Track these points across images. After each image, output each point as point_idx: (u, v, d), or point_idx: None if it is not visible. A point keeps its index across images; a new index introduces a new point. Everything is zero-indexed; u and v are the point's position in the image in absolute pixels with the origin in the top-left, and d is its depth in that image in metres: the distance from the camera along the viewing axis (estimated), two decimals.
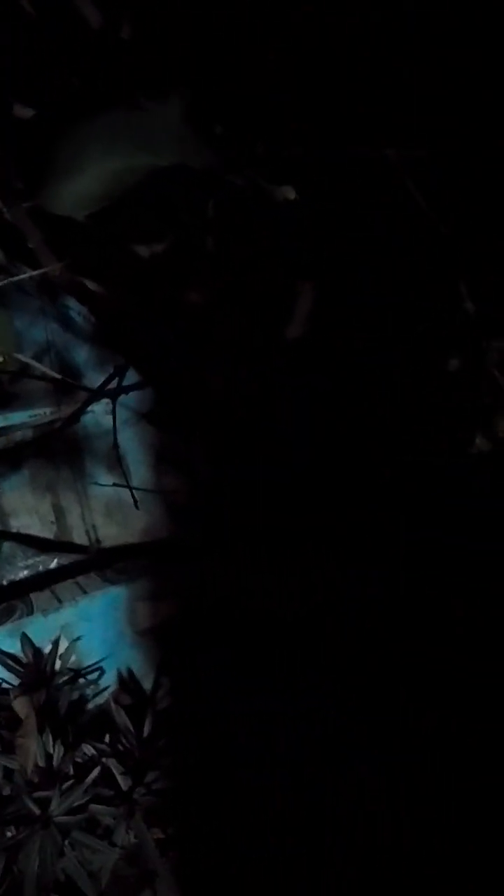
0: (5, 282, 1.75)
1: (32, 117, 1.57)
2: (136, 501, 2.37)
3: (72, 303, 2.53)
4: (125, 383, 2.23)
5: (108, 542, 2.74)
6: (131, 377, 2.32)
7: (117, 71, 1.52)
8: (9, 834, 1.89)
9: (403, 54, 1.37)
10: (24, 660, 2.19)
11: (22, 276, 1.70)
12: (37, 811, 1.90)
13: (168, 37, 1.54)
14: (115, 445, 2.17)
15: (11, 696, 2.08)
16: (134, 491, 2.56)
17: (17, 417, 2.51)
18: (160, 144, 1.36)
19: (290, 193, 1.37)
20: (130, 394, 2.51)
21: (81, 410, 2.11)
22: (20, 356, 2.00)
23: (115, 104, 1.38)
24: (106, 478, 2.69)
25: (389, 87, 1.42)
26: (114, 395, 2.14)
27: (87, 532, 2.72)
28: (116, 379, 2.00)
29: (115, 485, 2.53)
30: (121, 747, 2.11)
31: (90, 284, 1.87)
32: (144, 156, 1.35)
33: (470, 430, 1.42)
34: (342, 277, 1.71)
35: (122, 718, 2.16)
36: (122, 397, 2.44)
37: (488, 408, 1.40)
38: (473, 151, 1.46)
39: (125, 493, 2.72)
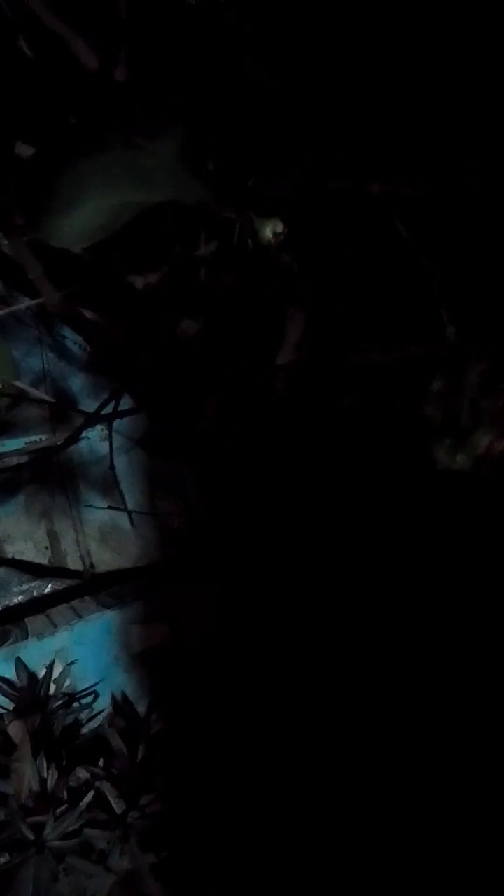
0: (5, 311, 1.80)
1: (32, 155, 1.64)
2: (132, 521, 2.40)
3: (68, 332, 2.59)
4: (120, 409, 2.28)
5: (102, 568, 2.77)
6: (126, 403, 2.38)
7: (113, 111, 1.60)
8: (3, 859, 1.89)
9: (387, 93, 1.45)
10: (19, 684, 2.20)
11: (21, 306, 1.76)
12: (31, 836, 1.90)
13: (161, 78, 1.62)
14: (112, 466, 2.21)
15: (6, 720, 2.09)
16: (129, 515, 2.60)
17: (13, 444, 2.55)
18: (155, 181, 1.43)
19: (279, 226, 1.45)
20: (124, 421, 2.57)
21: (79, 434, 2.15)
22: (18, 383, 2.05)
23: (111, 143, 1.45)
24: (100, 504, 2.72)
25: (372, 125, 1.50)
26: (110, 420, 2.19)
27: (81, 557, 2.75)
28: (112, 403, 2.05)
29: (110, 507, 2.57)
30: (115, 771, 2.11)
31: (87, 314, 1.92)
32: (140, 192, 1.42)
33: (451, 449, 1.47)
34: (330, 306, 1.78)
35: (116, 742, 2.16)
36: (117, 424, 2.49)
37: (468, 428, 1.46)
38: (455, 186, 1.53)
39: (119, 518, 2.76)
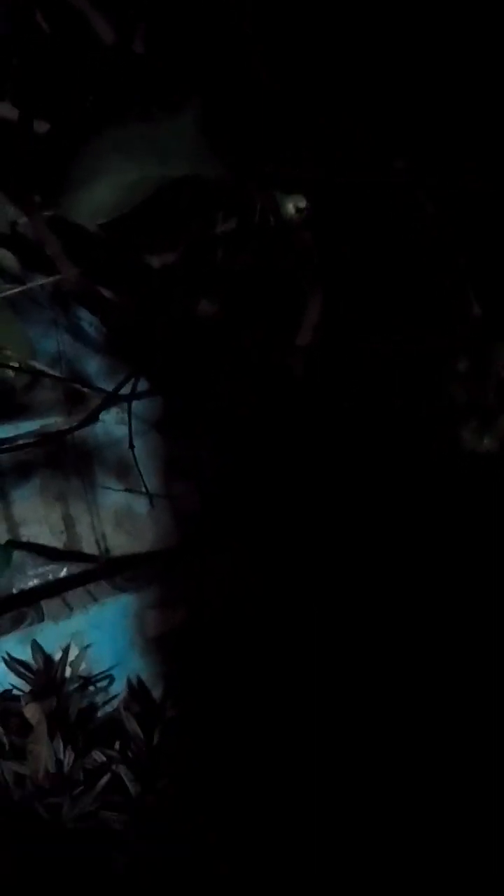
0: (21, 289, 1.78)
1: (51, 130, 1.61)
2: (152, 502, 2.38)
3: (83, 314, 2.57)
4: (138, 391, 2.26)
5: (117, 551, 2.76)
6: (142, 385, 2.35)
7: (131, 84, 1.56)
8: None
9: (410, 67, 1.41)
10: (35, 667, 2.20)
11: (37, 283, 1.74)
12: (47, 817, 1.90)
13: (179, 51, 1.58)
14: (132, 446, 2.18)
15: (22, 702, 2.09)
16: (144, 500, 2.58)
17: (28, 427, 2.54)
18: (173, 156, 1.40)
19: (301, 202, 1.41)
20: (140, 405, 2.54)
21: (96, 414, 2.13)
22: (35, 363, 2.03)
23: (129, 117, 1.42)
24: (116, 487, 2.71)
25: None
26: (129, 400, 2.16)
27: (96, 541, 2.74)
28: (131, 383, 2.02)
29: (126, 490, 2.56)
30: (130, 754, 2.11)
31: (104, 292, 1.90)
32: (159, 166, 1.39)
33: (478, 431, 1.44)
34: (351, 285, 1.74)
35: (132, 726, 2.16)
36: (133, 407, 2.47)
37: (495, 409, 1.42)
38: (479, 162, 1.49)
39: (134, 502, 2.75)
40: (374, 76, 1.46)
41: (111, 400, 2.11)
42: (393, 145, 1.49)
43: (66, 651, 2.24)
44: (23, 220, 1.83)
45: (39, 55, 1.74)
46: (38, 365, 2.06)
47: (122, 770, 2.04)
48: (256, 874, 2.00)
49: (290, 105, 1.50)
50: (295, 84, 1.50)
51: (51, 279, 1.68)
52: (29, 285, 1.77)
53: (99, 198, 1.39)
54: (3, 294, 1.88)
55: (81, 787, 1.97)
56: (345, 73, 1.49)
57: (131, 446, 2.26)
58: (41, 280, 1.85)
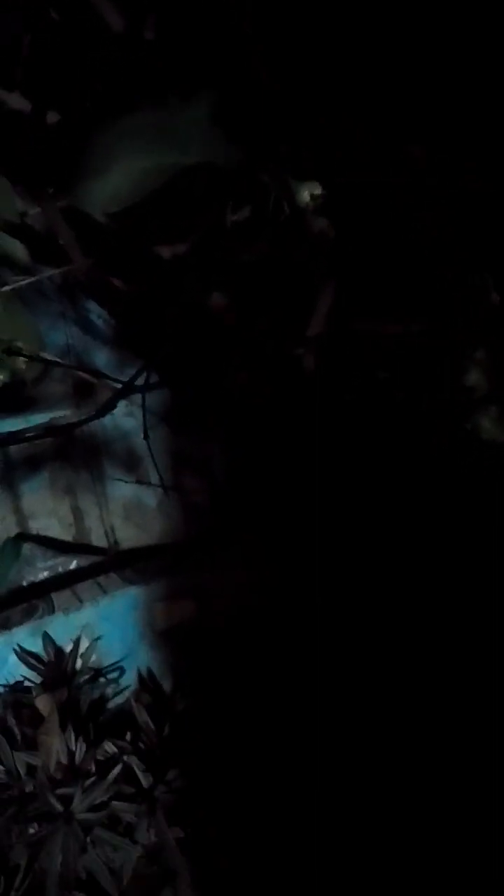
0: (32, 279, 1.77)
1: (62, 120, 1.61)
2: (165, 491, 2.38)
3: (92, 306, 2.56)
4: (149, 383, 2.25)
5: (126, 544, 2.76)
6: (153, 377, 2.35)
7: (143, 72, 1.55)
8: (31, 830, 1.90)
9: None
10: (46, 658, 2.20)
11: (48, 273, 1.73)
12: (59, 808, 1.90)
13: (191, 37, 1.57)
14: (146, 436, 2.18)
15: (34, 693, 2.10)
16: (153, 492, 2.58)
17: (38, 420, 2.53)
18: (187, 142, 1.39)
19: (317, 189, 1.40)
20: (150, 398, 2.54)
21: (109, 406, 2.13)
22: (45, 355, 2.03)
23: (142, 104, 1.41)
24: (125, 480, 2.71)
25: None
26: (142, 392, 2.16)
27: (105, 534, 2.74)
28: (144, 375, 2.02)
29: (137, 482, 2.56)
30: (142, 745, 2.11)
31: (115, 282, 1.89)
32: (172, 154, 1.38)
33: (498, 419, 1.43)
34: (365, 274, 1.73)
35: (143, 717, 2.16)
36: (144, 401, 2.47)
37: None
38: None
39: (143, 495, 2.75)
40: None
41: (124, 392, 2.10)
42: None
43: (76, 643, 2.24)
44: (33, 211, 1.83)
45: (50, 45, 1.73)
46: (50, 356, 2.06)
47: (134, 761, 2.04)
48: (256, 868, 2.00)
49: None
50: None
51: (61, 269, 1.67)
52: (39, 276, 1.76)
53: (112, 187, 1.38)
54: (13, 286, 1.88)
55: (93, 778, 1.97)
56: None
57: (145, 437, 2.25)
58: (51, 271, 1.85)
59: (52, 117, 1.68)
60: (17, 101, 1.75)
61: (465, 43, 1.41)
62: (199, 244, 1.83)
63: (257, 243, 1.78)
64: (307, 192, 1.40)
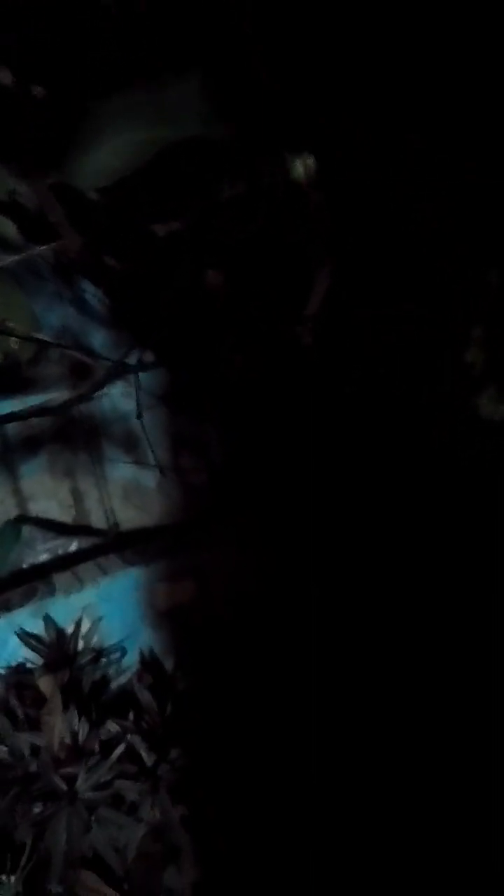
0: (23, 256, 1.75)
1: (52, 95, 1.57)
2: (163, 472, 2.37)
3: (88, 286, 2.53)
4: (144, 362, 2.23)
5: (126, 525, 2.76)
6: (148, 357, 2.33)
7: (135, 46, 1.51)
8: (36, 810, 1.91)
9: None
10: (48, 640, 2.21)
11: (39, 250, 1.70)
12: (63, 787, 1.91)
13: (185, 10, 1.53)
14: (140, 415, 2.16)
15: (36, 675, 2.10)
16: (151, 473, 2.57)
17: (34, 401, 2.52)
18: (179, 116, 1.36)
19: (310, 160, 1.37)
20: (146, 378, 2.52)
21: (101, 385, 2.11)
22: (40, 335, 2.00)
23: (134, 78, 1.38)
24: (124, 461, 2.70)
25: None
26: (134, 371, 2.14)
27: (105, 515, 2.74)
28: (137, 354, 2.00)
29: (135, 463, 2.55)
30: (144, 725, 2.12)
31: (109, 261, 1.86)
32: (164, 128, 1.35)
33: (495, 399, 1.42)
34: (362, 256, 1.71)
35: (145, 697, 2.17)
36: (140, 381, 2.45)
37: None
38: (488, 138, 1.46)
39: (143, 476, 2.74)
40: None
41: (116, 371, 2.08)
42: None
43: (77, 624, 2.24)
44: (23, 188, 1.79)
45: (39, 19, 1.69)
46: (44, 336, 2.03)
47: (137, 740, 2.05)
48: (255, 849, 2.02)
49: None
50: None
51: (52, 245, 1.64)
52: (29, 253, 1.73)
53: (102, 162, 1.35)
54: (4, 263, 1.85)
55: (97, 758, 1.98)
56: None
57: (139, 417, 2.24)
58: (42, 249, 1.81)
59: (42, 92, 1.64)
60: (5, 77, 1.71)
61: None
62: (193, 222, 1.80)
63: (253, 220, 1.75)
64: (301, 165, 1.37)
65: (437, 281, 1.57)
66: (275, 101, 1.45)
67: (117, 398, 2.63)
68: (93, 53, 1.58)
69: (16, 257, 1.69)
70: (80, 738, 2.02)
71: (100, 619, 2.30)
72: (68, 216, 1.70)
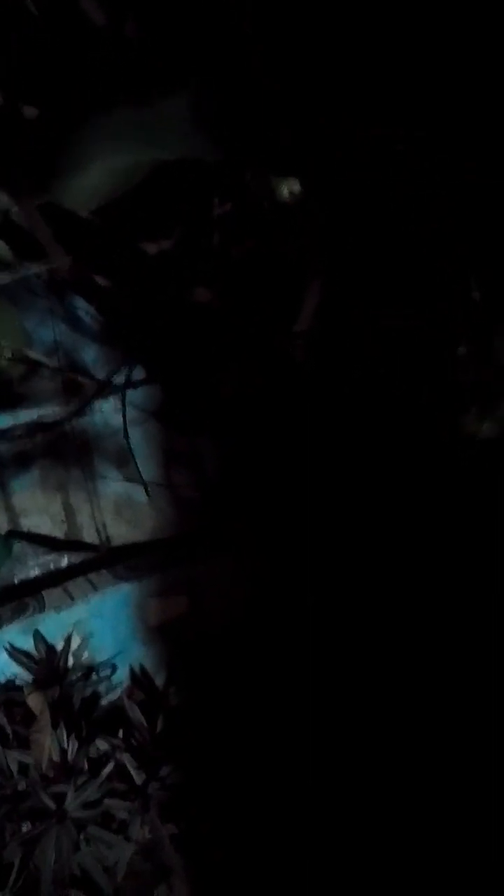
0: (15, 276, 1.76)
1: (41, 114, 1.59)
2: (147, 492, 2.38)
3: (80, 303, 2.54)
4: (133, 379, 2.24)
5: (117, 541, 2.75)
6: (139, 374, 2.34)
7: (124, 67, 1.54)
8: (25, 828, 1.90)
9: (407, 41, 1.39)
10: (38, 656, 2.20)
11: (30, 271, 1.72)
12: (52, 806, 1.91)
13: (172, 33, 1.56)
14: (126, 435, 2.17)
15: (25, 692, 2.09)
16: (144, 486, 2.58)
17: (27, 417, 2.52)
18: (167, 139, 1.38)
19: (296, 185, 1.39)
20: (139, 393, 2.53)
21: (91, 400, 2.12)
22: (30, 352, 2.02)
23: (122, 100, 1.40)
24: (115, 477, 2.70)
25: (394, 72, 1.44)
26: (122, 389, 2.15)
27: (97, 531, 2.73)
28: (126, 373, 2.01)
29: (126, 480, 2.55)
30: (134, 742, 2.12)
31: (99, 279, 1.88)
32: (151, 150, 1.37)
33: (478, 416, 1.43)
34: (350, 271, 1.72)
35: (135, 714, 2.17)
36: (131, 396, 2.46)
37: (495, 394, 1.41)
38: (476, 141, 1.48)
39: (134, 491, 2.74)
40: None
41: (105, 388, 2.09)
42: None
43: (67, 640, 2.24)
44: (15, 208, 1.81)
45: (29, 38, 1.71)
46: (35, 354, 2.04)
47: (126, 758, 2.05)
48: (250, 861, 2.01)
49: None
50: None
51: (43, 266, 1.66)
52: (21, 273, 1.75)
53: (92, 183, 1.37)
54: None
55: (86, 776, 1.98)
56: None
57: (125, 436, 2.25)
58: (33, 268, 1.83)
59: (31, 112, 1.66)
60: None
61: (464, 40, 1.40)
62: (183, 240, 1.81)
63: (244, 238, 1.77)
64: (286, 189, 1.39)
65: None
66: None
67: (109, 414, 2.64)
68: (80, 75, 1.60)
69: (9, 277, 1.70)
70: (70, 755, 2.01)
71: (90, 635, 2.29)
72: (58, 235, 1.71)
